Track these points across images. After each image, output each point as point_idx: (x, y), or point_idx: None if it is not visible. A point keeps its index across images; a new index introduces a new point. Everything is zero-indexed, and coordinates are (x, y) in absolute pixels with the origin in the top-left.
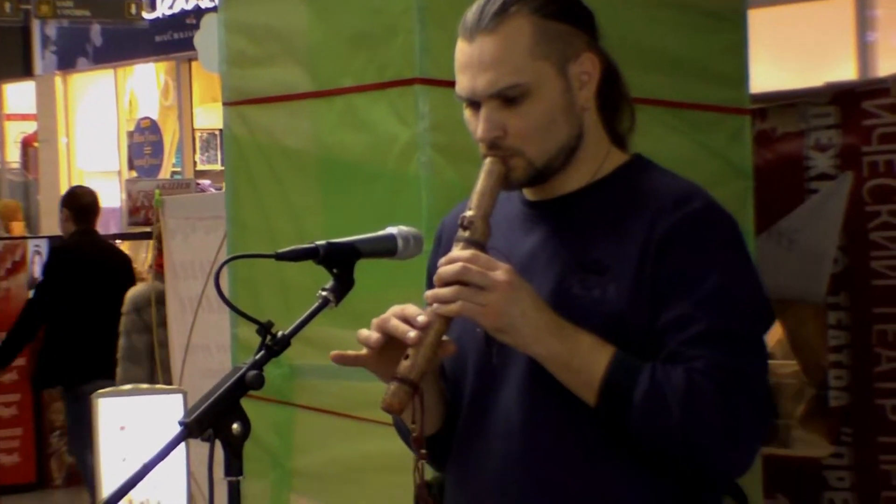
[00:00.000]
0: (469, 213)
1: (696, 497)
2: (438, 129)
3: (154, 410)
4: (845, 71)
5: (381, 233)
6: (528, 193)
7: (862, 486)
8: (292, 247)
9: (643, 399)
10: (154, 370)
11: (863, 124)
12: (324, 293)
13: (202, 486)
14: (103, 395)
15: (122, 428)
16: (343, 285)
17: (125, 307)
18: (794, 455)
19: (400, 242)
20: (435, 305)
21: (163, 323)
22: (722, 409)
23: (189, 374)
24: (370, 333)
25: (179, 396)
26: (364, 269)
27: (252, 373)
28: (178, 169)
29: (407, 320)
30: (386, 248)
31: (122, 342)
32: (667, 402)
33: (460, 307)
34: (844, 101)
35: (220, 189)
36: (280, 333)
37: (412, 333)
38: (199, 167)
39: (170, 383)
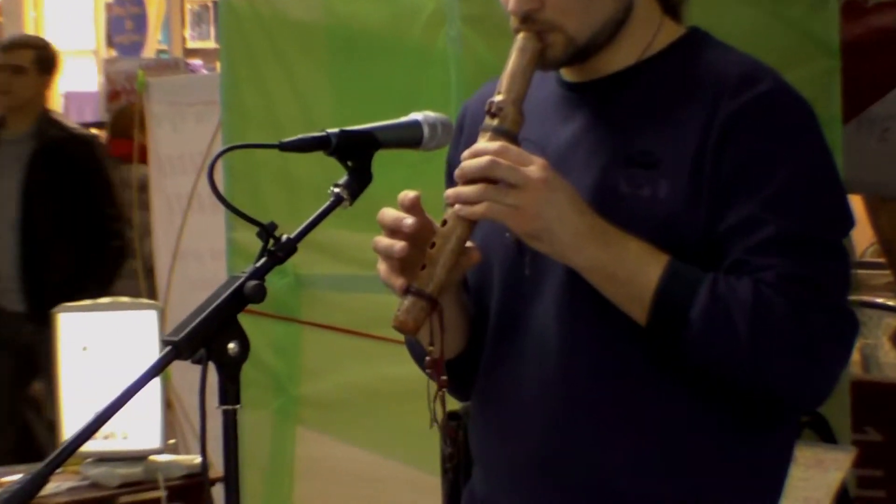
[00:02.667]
0: (498, 98)
1: (766, 428)
2: None
3: (123, 328)
4: None
5: (403, 119)
6: (566, 74)
7: None
8: (299, 136)
9: (703, 316)
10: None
11: None
12: (336, 190)
13: (191, 417)
14: (64, 311)
15: (85, 348)
16: (359, 180)
17: None
18: (889, 381)
19: (426, 130)
20: (457, 207)
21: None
22: (796, 327)
23: (178, 284)
24: (392, 242)
25: (153, 313)
26: (383, 163)
27: (252, 283)
28: (165, 47)
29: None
30: (409, 137)
31: None
32: (731, 320)
33: (486, 208)
34: None
35: (213, 70)
36: (285, 237)
37: (409, 220)
38: (189, 45)
39: None
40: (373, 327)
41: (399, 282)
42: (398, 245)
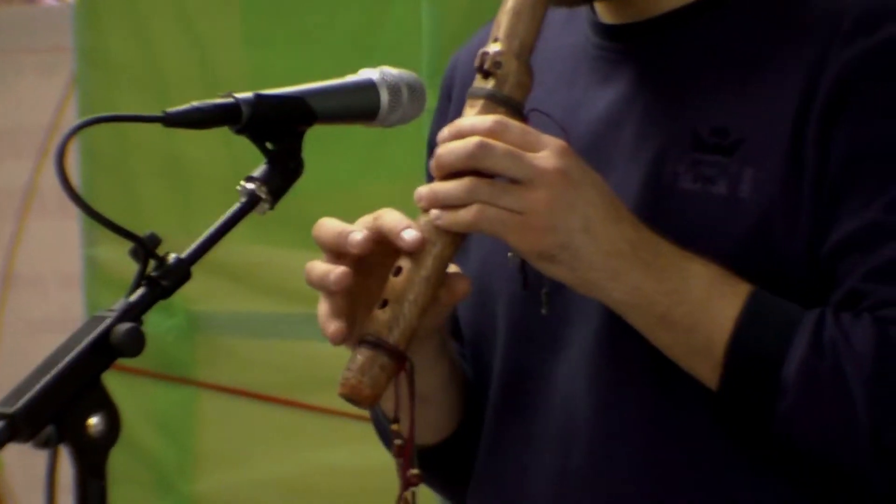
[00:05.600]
0: (493, 48)
1: None
2: None
3: None
4: None
5: (350, 79)
6: (602, 13)
7: None
8: (195, 103)
9: (801, 376)
10: None
11: None
12: (250, 186)
13: None
14: None
15: None
16: (284, 172)
17: None
18: None
19: (385, 95)
20: (433, 213)
21: None
22: None
23: (9, 326)
24: (329, 268)
25: None
26: (320, 145)
27: (124, 326)
28: None
29: (386, 234)
30: (360, 106)
31: None
32: (844, 380)
33: (476, 216)
34: None
35: None
36: (173, 256)
37: (358, 236)
38: None
39: None
40: (304, 392)
41: (334, 326)
42: (335, 273)
